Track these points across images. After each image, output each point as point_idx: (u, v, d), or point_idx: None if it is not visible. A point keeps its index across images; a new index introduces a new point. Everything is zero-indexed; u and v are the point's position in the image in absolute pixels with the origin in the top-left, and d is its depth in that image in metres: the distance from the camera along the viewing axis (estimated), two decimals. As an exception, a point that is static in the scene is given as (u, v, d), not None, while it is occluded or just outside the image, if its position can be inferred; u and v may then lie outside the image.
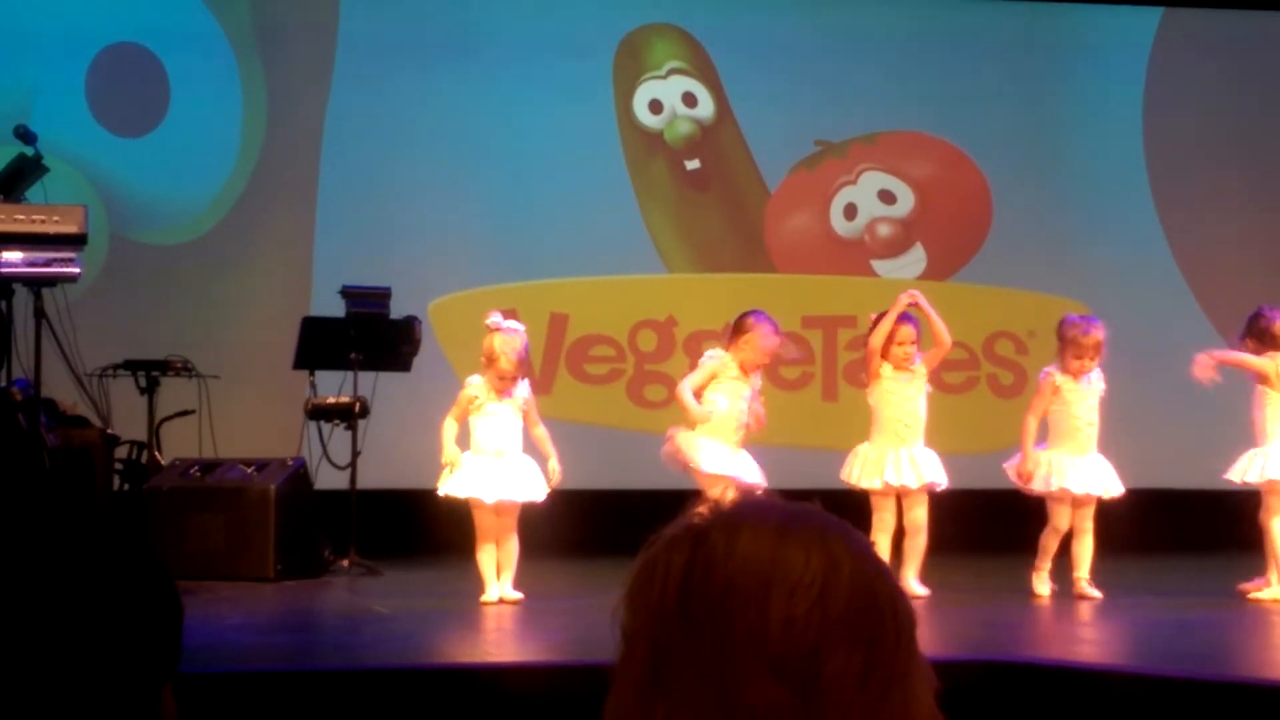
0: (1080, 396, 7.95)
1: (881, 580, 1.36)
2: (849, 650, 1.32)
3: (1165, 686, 5.37)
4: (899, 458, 7.92)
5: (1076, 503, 7.90)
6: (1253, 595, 7.80)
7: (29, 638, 1.43)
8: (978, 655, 5.94)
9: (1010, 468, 8.01)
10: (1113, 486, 7.91)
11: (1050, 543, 7.91)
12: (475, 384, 7.72)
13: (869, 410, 8.12)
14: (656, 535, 1.40)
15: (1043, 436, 8.04)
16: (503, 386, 7.66)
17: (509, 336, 7.66)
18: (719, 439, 7.85)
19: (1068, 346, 7.99)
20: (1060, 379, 7.98)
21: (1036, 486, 7.92)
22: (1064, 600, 7.77)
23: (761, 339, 7.92)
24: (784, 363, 8.07)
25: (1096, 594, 7.78)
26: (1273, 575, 7.84)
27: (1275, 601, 7.74)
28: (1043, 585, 7.89)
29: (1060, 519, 7.90)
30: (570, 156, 10.47)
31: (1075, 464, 7.88)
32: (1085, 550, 7.89)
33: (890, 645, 1.34)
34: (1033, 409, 8.05)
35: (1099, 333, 8.02)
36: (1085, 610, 7.61)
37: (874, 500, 7.92)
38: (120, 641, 1.46)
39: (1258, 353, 8.00)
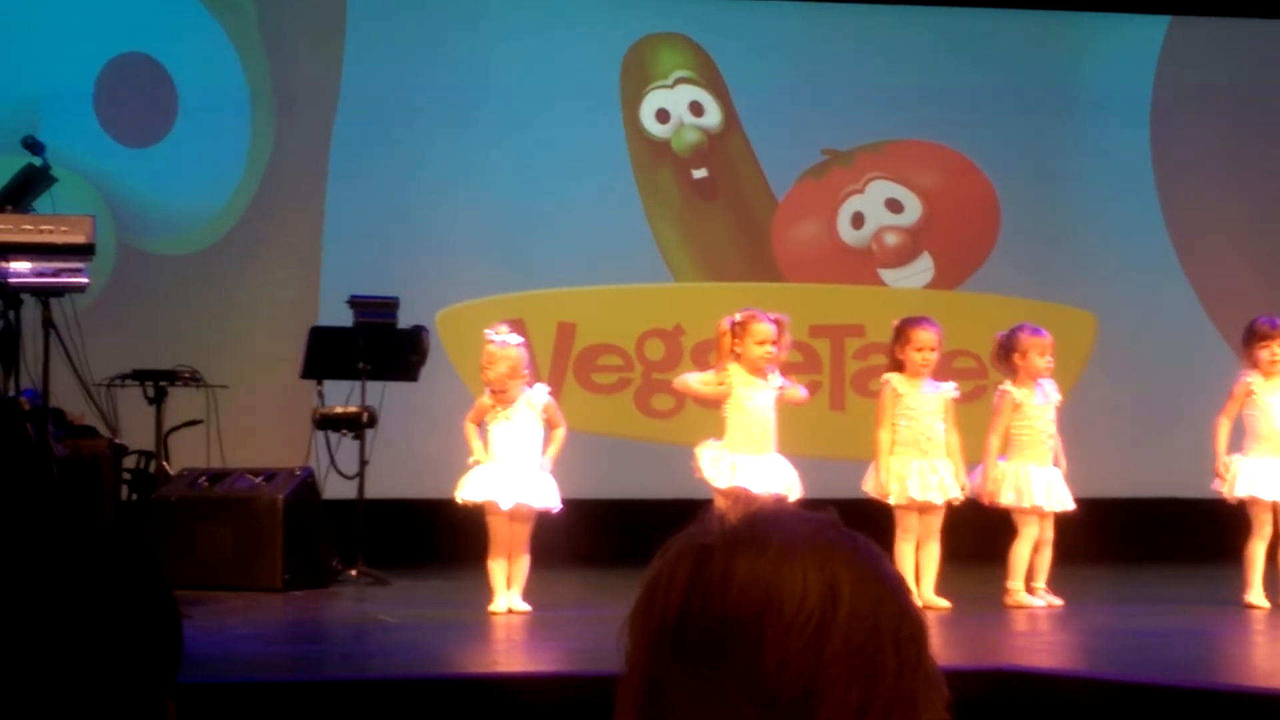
0: (1040, 410, 7.99)
1: (886, 606, 1.33)
2: (844, 690, 1.29)
3: (1171, 696, 5.36)
4: (925, 471, 7.88)
5: (1041, 514, 7.93)
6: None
7: (29, 648, 1.43)
8: (986, 664, 5.92)
9: (975, 485, 8.00)
10: (1067, 500, 7.97)
11: (1024, 554, 7.91)
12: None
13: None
14: (668, 544, 1.39)
15: (1000, 452, 8.05)
16: (497, 397, 7.69)
17: (494, 349, 7.70)
18: (747, 449, 7.76)
19: (1027, 353, 7.98)
20: (1019, 394, 7.99)
21: (1007, 501, 7.94)
22: (1061, 610, 7.78)
23: (747, 332, 7.89)
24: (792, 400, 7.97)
25: (1058, 601, 7.83)
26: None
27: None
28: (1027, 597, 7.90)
29: (1030, 530, 7.93)
30: (577, 165, 10.47)
31: (1040, 477, 7.93)
32: (1045, 560, 7.94)
33: (890, 679, 1.31)
34: (994, 428, 8.01)
35: (1046, 331, 8.08)
36: (1086, 619, 7.62)
37: (898, 512, 7.84)
38: (117, 653, 1.46)
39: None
